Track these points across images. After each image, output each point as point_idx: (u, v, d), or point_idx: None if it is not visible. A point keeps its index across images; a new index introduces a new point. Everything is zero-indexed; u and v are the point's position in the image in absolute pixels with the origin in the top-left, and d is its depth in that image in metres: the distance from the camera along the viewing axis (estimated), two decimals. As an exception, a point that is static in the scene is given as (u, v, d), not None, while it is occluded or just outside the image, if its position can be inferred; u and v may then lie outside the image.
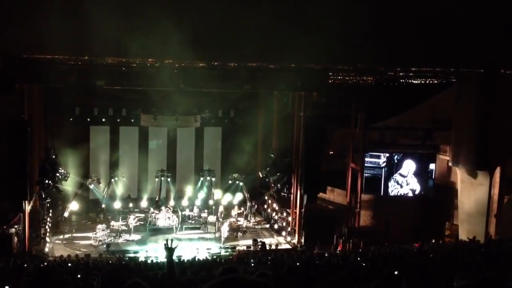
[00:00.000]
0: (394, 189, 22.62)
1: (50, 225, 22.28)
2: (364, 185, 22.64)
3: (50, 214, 22.78)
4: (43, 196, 22.72)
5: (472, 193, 21.04)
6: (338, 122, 25.90)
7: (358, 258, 15.24)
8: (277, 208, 24.96)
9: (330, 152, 25.96)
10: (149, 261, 17.67)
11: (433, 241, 19.30)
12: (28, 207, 20.19)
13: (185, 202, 25.74)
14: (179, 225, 23.38)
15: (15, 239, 19.64)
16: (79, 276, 12.43)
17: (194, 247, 20.99)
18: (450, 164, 22.11)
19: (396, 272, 11.64)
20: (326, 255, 17.86)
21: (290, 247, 22.03)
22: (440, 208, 22.25)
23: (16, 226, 19.83)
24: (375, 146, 23.19)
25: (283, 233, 23.53)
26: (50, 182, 23.04)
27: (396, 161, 22.65)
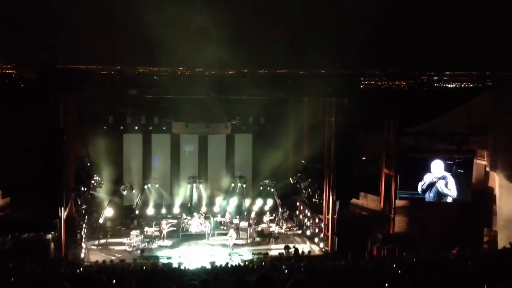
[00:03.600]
0: (431, 194, 22.07)
1: (85, 231, 22.64)
2: (398, 191, 22.24)
3: (86, 220, 23.14)
4: (79, 203, 23.17)
5: (511, 198, 20.47)
6: (370, 127, 25.59)
7: (394, 265, 14.97)
8: (309, 214, 24.79)
9: (363, 158, 25.66)
10: (182, 267, 17.74)
11: (471, 247, 18.82)
12: (64, 214, 20.57)
13: (216, 208, 25.84)
14: (211, 231, 23.46)
15: (52, 245, 20.03)
16: (114, 281, 12.57)
17: (226, 253, 21.02)
18: (487, 169, 21.57)
19: (434, 279, 11.41)
20: (360, 262, 17.63)
21: (323, 253, 21.81)
22: (478, 214, 21.69)
23: (52, 232, 20.21)
24: (409, 151, 22.79)
25: (316, 239, 23.33)
26: (85, 189, 23.51)
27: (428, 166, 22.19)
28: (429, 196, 22.05)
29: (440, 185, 21.98)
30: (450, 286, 11.46)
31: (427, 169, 22.07)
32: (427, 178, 22.07)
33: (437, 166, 22.18)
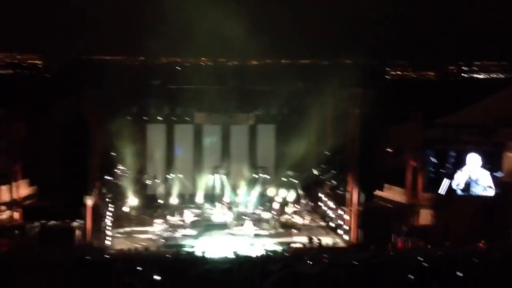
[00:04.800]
0: (461, 187, 21.63)
1: (110, 219, 22.89)
2: (424, 183, 21.93)
3: (111, 209, 23.39)
4: (104, 192, 23.43)
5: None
6: (396, 118, 25.28)
7: (418, 258, 14.79)
8: (332, 206, 24.63)
9: (388, 150, 25.37)
10: (205, 256, 17.80)
11: (498, 241, 18.49)
12: (89, 202, 20.86)
13: (239, 198, 25.88)
14: (234, 221, 23.52)
15: (77, 232, 20.38)
16: (139, 268, 12.68)
17: (249, 243, 21.05)
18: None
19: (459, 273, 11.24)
20: (384, 254, 17.46)
21: (346, 245, 21.69)
22: (507, 207, 21.26)
23: (78, 220, 20.56)
24: (435, 143, 22.44)
25: (339, 231, 23.20)
26: (110, 178, 23.81)
27: (456, 158, 21.75)
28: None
29: (481, 182, 21.41)
30: (475, 279, 11.30)
31: (455, 162, 21.63)
32: (461, 178, 21.53)
33: (473, 160, 21.63)
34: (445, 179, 21.62)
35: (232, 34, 26.37)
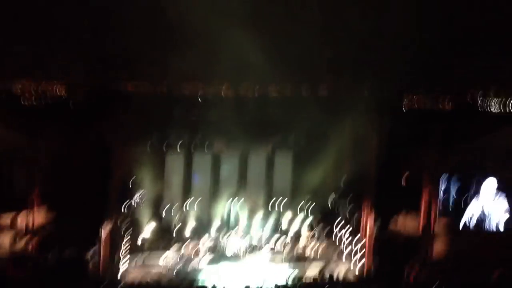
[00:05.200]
0: (475, 217, 21.19)
1: (124, 249, 23.00)
2: (440, 212, 21.57)
3: (125, 239, 23.52)
4: (119, 221, 23.58)
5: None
6: (413, 145, 25.04)
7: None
8: (347, 234, 24.37)
9: (405, 176, 25.08)
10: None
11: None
12: (105, 231, 20.99)
13: (254, 228, 25.77)
14: (249, 252, 23.41)
15: (91, 261, 20.47)
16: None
17: (263, 273, 20.92)
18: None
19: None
20: (400, 285, 17.16)
21: (359, 277, 21.36)
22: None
23: (92, 249, 20.67)
24: (453, 170, 22.14)
25: (353, 260, 22.89)
26: (127, 207, 23.97)
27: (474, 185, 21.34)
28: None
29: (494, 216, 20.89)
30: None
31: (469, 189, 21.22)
32: (475, 209, 21.08)
33: (490, 186, 21.13)
34: (469, 207, 21.17)
35: (253, 61, 26.67)
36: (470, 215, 21.20)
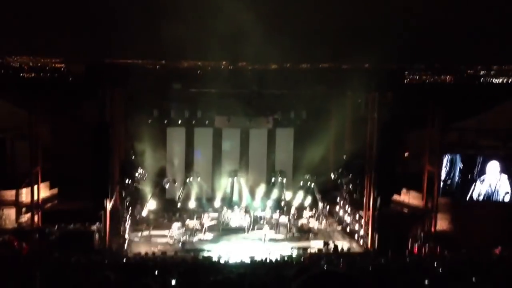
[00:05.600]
0: (482, 193, 21.40)
1: (129, 223, 23.20)
2: (441, 188, 21.78)
3: (129, 213, 23.70)
4: (123, 195, 23.73)
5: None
6: (414, 123, 25.14)
7: (435, 264, 14.77)
8: (349, 210, 24.63)
9: (406, 154, 25.25)
10: (221, 261, 17.99)
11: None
12: (109, 206, 21.15)
13: (257, 202, 25.99)
14: (251, 226, 23.67)
15: (96, 236, 20.65)
16: (156, 273, 12.91)
17: (266, 248, 21.16)
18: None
19: (474, 279, 11.21)
20: (400, 259, 17.43)
21: (363, 250, 21.66)
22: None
23: (97, 224, 20.82)
24: (453, 148, 22.28)
25: (356, 236, 23.18)
26: (129, 181, 24.07)
27: (479, 164, 21.52)
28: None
29: (500, 190, 21.13)
30: (492, 285, 11.25)
31: (473, 167, 21.43)
32: (482, 187, 21.29)
33: (494, 169, 21.38)
34: (475, 184, 21.39)
35: (253, 37, 26.52)
36: (473, 191, 21.44)
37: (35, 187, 21.46)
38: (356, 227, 23.38)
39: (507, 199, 21.15)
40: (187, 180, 25.82)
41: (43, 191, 22.30)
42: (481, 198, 21.21)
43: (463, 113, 24.04)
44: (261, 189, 26.68)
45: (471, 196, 21.39)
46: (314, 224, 24.38)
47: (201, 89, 24.85)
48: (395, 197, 22.59)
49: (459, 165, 21.58)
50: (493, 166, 21.28)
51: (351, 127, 26.46)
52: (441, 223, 21.50)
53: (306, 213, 24.76)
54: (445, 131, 22.18)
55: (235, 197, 25.66)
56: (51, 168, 22.80)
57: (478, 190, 21.31)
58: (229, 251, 20.22)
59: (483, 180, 21.34)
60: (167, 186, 25.75)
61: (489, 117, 22.79)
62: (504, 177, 21.18)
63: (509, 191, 21.18)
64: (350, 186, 24.68)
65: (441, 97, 26.19)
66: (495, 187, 21.24)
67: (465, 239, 19.56)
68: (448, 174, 21.60)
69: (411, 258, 18.08)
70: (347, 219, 24.60)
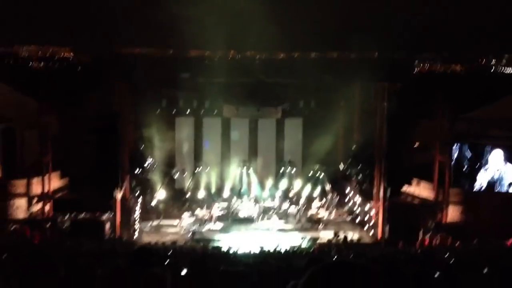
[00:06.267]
0: (486, 183, 21.30)
1: (139, 212, 23.30)
2: (453, 178, 21.66)
3: (139, 202, 23.81)
4: (133, 185, 23.83)
5: None
6: (424, 113, 25.00)
7: (446, 254, 14.73)
8: (359, 200, 24.59)
9: (416, 144, 25.14)
10: (231, 251, 18.05)
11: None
12: (119, 195, 21.24)
13: (266, 192, 26.03)
14: (260, 216, 23.71)
15: (107, 225, 20.79)
16: (166, 262, 12.95)
17: (275, 238, 21.21)
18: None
19: (485, 270, 11.17)
20: (411, 250, 17.41)
21: (373, 241, 21.65)
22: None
23: (108, 213, 20.95)
24: (463, 138, 22.14)
25: (366, 226, 23.16)
26: (139, 171, 24.17)
27: (487, 153, 21.37)
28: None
29: (505, 179, 20.97)
30: (503, 276, 11.21)
31: (481, 157, 21.28)
32: (483, 178, 21.17)
33: (496, 158, 21.22)
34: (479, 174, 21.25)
35: (260, 27, 26.41)
36: (481, 182, 21.32)
37: (46, 176, 21.59)
38: (366, 217, 23.35)
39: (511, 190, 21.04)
40: (196, 170, 25.89)
41: (54, 180, 22.42)
42: (483, 187, 21.10)
43: (473, 103, 23.86)
44: (270, 179, 26.70)
45: (478, 186, 21.28)
46: (323, 214, 24.37)
47: (209, 78, 24.83)
48: (405, 187, 22.53)
49: (467, 154, 21.43)
50: (497, 155, 21.12)
51: (360, 117, 26.35)
52: (452, 214, 21.42)
53: (316, 203, 24.77)
54: (455, 121, 22.03)
55: (244, 187, 25.69)
56: (61, 158, 22.91)
57: (481, 179, 21.18)
58: (239, 241, 20.29)
59: (487, 169, 21.19)
60: (176, 176, 25.84)
61: (499, 107, 22.59)
62: (509, 166, 21.02)
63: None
64: (359, 176, 24.64)
65: (451, 86, 26.02)
66: (499, 176, 21.11)
67: (476, 229, 19.47)
68: (456, 163, 21.47)
69: (422, 249, 18.05)
70: (357, 209, 24.57)
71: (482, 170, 21.29)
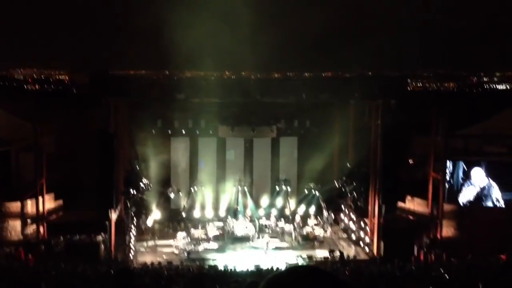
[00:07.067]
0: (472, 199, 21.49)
1: (134, 233, 23.20)
2: (447, 195, 21.76)
3: (134, 223, 23.72)
4: (128, 206, 23.73)
5: None
6: (418, 130, 25.16)
7: (441, 270, 14.73)
8: (354, 218, 24.59)
9: (410, 161, 25.24)
10: (227, 270, 17.98)
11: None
12: (114, 216, 21.16)
13: (261, 211, 25.99)
14: (256, 234, 23.65)
15: (102, 246, 20.65)
16: (162, 283, 12.91)
17: (271, 256, 21.14)
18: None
19: (480, 286, 11.18)
20: (406, 267, 17.37)
21: (368, 258, 21.60)
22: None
23: (103, 234, 20.83)
24: (458, 154, 22.27)
25: (361, 243, 23.13)
26: (134, 191, 24.07)
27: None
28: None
29: (488, 196, 21.17)
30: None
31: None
32: (470, 193, 21.34)
33: (478, 175, 21.45)
34: (463, 200, 21.43)
35: (255, 47, 26.69)
36: (471, 197, 21.41)
37: (40, 198, 21.53)
38: (362, 234, 23.34)
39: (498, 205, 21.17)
40: (192, 190, 25.85)
41: (48, 202, 22.36)
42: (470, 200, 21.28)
43: (467, 120, 24.03)
44: (266, 197, 26.68)
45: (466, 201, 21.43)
46: (319, 232, 24.32)
47: (204, 99, 24.93)
48: (400, 204, 22.56)
49: (461, 171, 21.57)
50: (478, 172, 21.35)
51: (354, 135, 26.46)
52: (447, 230, 21.44)
53: (311, 221, 24.73)
54: (449, 137, 22.18)
55: (240, 206, 25.65)
56: (56, 179, 22.89)
57: (467, 195, 21.35)
58: (235, 260, 20.21)
59: (469, 186, 21.39)
60: (171, 195, 25.78)
61: (493, 123, 22.76)
62: (493, 183, 21.20)
63: (499, 199, 21.19)
64: (354, 193, 24.65)
65: (445, 103, 26.19)
66: (484, 193, 21.26)
67: (471, 245, 19.49)
68: (451, 179, 21.60)
69: (417, 265, 18.02)
70: (352, 226, 24.56)
71: (466, 186, 21.49)
